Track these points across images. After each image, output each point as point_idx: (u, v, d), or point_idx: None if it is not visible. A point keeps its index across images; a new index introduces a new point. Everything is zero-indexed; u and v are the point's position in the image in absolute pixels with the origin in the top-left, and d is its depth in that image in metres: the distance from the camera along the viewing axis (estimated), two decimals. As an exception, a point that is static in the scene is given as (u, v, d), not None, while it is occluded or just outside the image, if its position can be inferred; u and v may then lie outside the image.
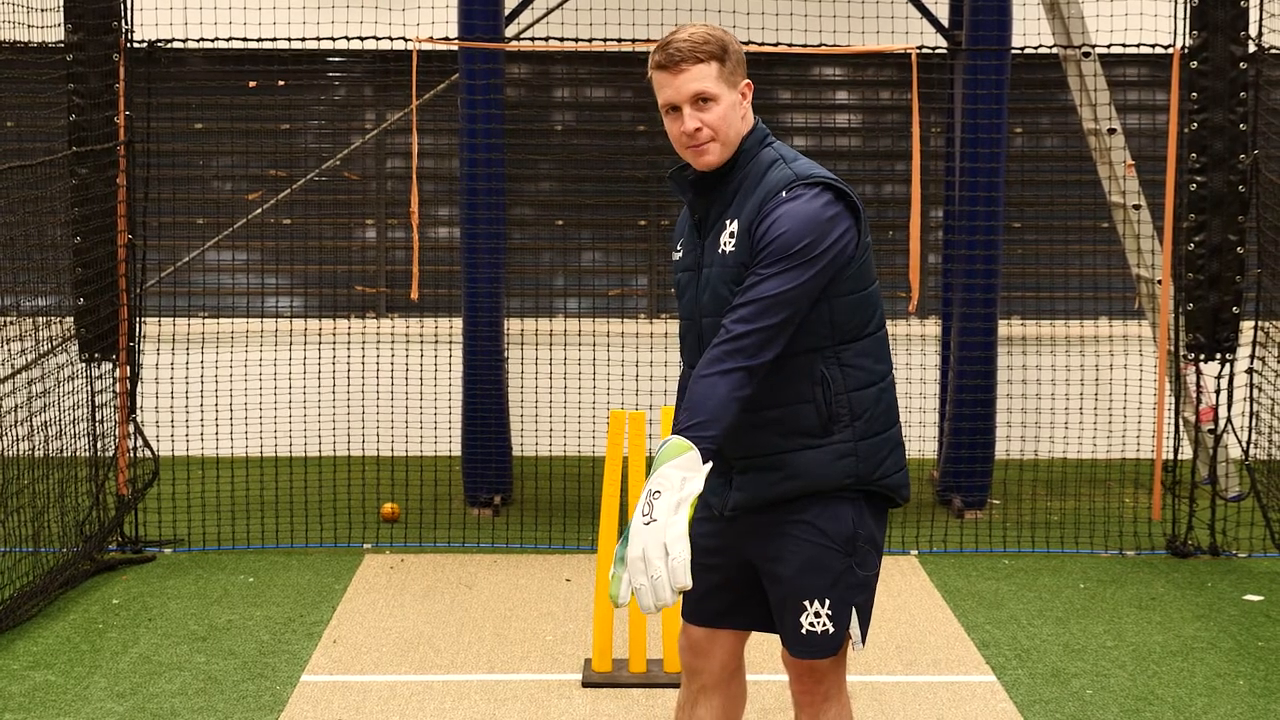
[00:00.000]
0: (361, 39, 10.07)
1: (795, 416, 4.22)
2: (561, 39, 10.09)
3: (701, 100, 4.18)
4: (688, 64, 4.16)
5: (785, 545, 4.30)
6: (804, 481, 4.26)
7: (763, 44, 9.88)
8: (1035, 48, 10.54)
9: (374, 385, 11.03)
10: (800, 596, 4.31)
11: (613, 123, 12.24)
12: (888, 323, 11.65)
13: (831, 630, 4.34)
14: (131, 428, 9.26)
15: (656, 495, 3.86)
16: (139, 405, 9.42)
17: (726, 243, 4.22)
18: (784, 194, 4.15)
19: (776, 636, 4.46)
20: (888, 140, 12.38)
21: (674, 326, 11.60)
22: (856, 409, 4.27)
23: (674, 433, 3.96)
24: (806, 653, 4.38)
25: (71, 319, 8.99)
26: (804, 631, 4.34)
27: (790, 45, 10.07)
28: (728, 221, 4.24)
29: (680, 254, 4.46)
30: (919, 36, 10.69)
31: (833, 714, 4.51)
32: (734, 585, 4.47)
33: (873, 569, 4.39)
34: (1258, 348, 9.10)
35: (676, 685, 6.65)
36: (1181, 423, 10.19)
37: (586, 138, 12.36)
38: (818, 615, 4.32)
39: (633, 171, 12.22)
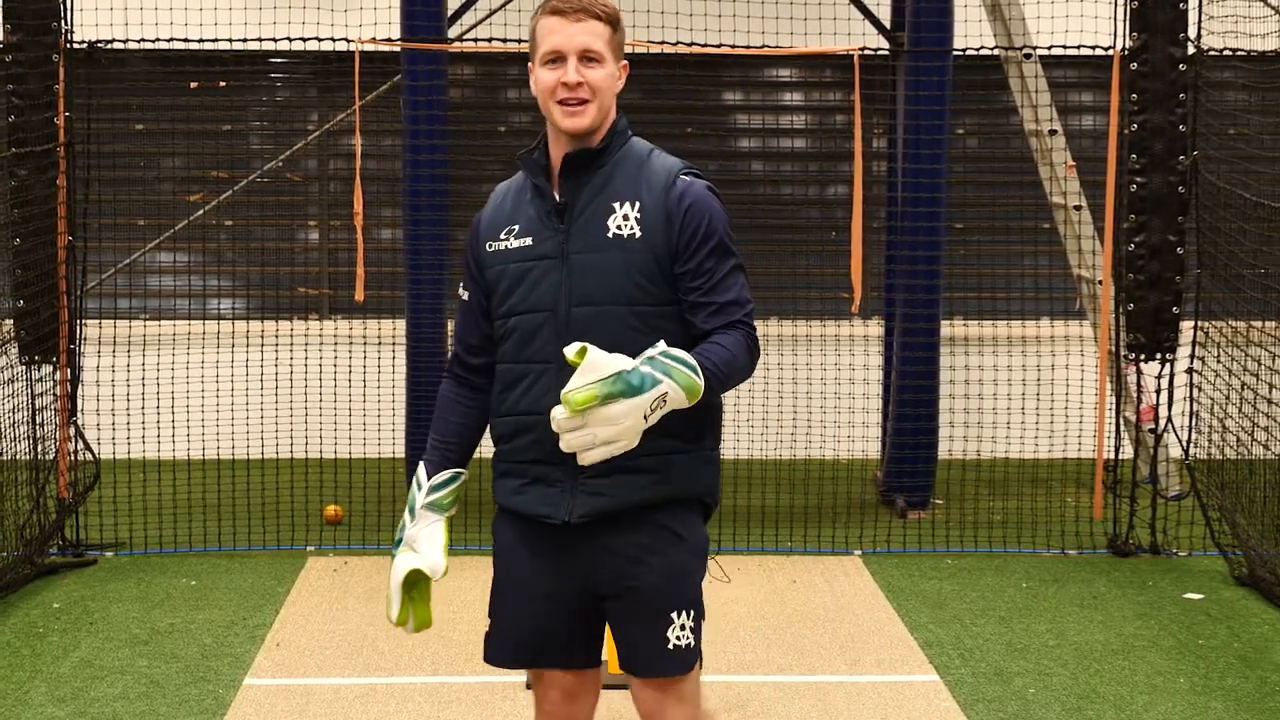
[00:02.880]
0: (304, 40, 10.02)
1: (677, 418, 3.97)
2: (505, 40, 10.07)
3: (588, 58, 4.05)
4: (585, 17, 4.04)
5: (649, 555, 4.12)
6: (675, 486, 4.12)
7: (706, 45, 9.89)
8: (977, 49, 10.60)
9: (317, 387, 10.98)
10: (668, 609, 4.14)
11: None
12: (830, 323, 11.77)
13: (693, 643, 4.18)
14: (72, 430, 9.20)
15: (662, 401, 3.81)
16: (80, 408, 9.36)
17: (621, 226, 4.06)
18: (684, 177, 4.11)
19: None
20: (833, 141, 12.41)
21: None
22: (716, 417, 4.22)
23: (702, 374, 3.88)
24: (673, 669, 4.17)
25: (11, 321, 8.92)
26: (670, 646, 4.15)
27: (733, 47, 10.09)
28: (615, 205, 4.08)
29: (520, 242, 4.16)
30: (861, 38, 10.71)
31: None
32: (574, 618, 4.27)
33: None
34: (1197, 348, 9.15)
35: (618, 686, 6.63)
36: (1122, 422, 10.25)
37: (530, 138, 12.30)
38: (683, 628, 4.15)
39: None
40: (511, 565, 4.38)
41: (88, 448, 9.31)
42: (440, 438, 4.41)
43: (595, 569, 4.17)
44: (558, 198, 4.14)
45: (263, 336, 11.15)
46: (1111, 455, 9.79)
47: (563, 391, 3.74)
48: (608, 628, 4.32)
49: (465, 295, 4.31)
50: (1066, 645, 7.54)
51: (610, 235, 4.07)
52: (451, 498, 4.43)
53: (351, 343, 11.41)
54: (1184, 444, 9.22)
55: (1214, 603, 8.29)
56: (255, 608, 8.13)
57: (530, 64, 4.16)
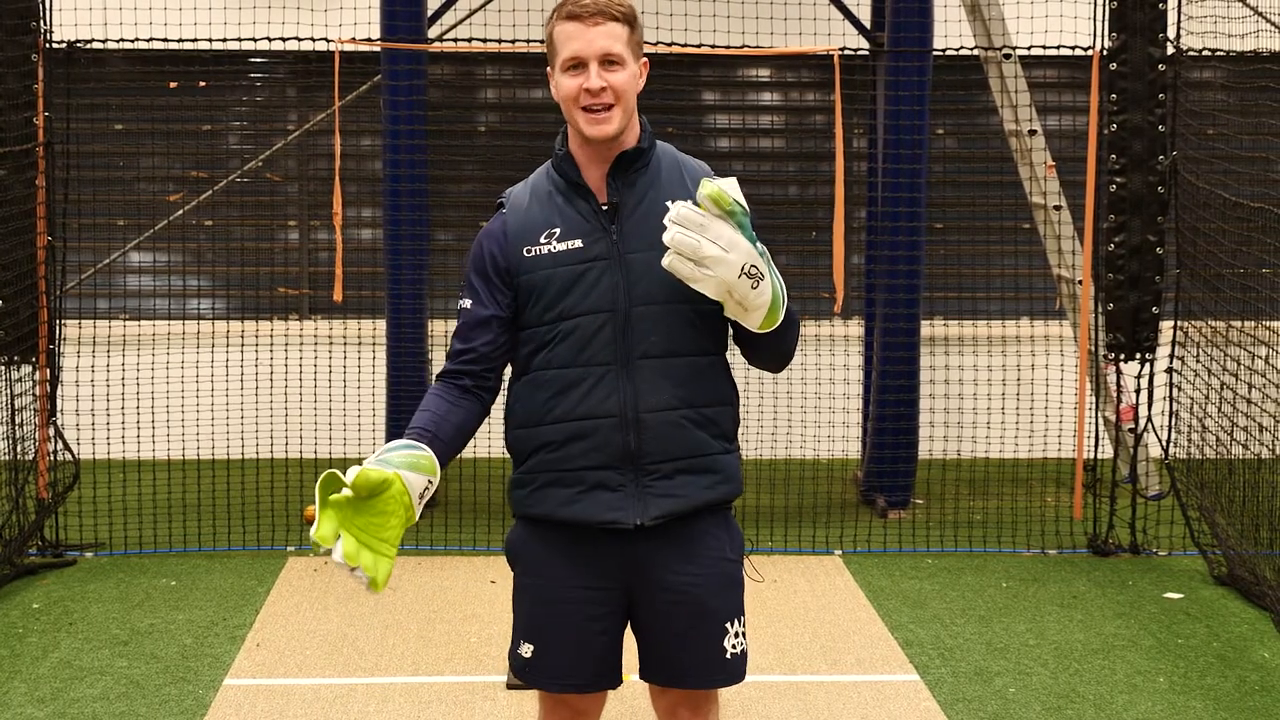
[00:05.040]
0: (283, 40, 10.01)
1: (725, 418, 4.05)
2: (484, 40, 10.06)
3: (609, 61, 3.95)
4: (602, 19, 3.93)
5: (705, 563, 4.09)
6: (731, 487, 4.08)
7: (686, 45, 9.89)
8: (957, 49, 10.62)
9: (297, 387, 10.96)
10: (723, 619, 4.11)
11: (535, 124, 12.22)
12: (812, 322, 11.77)
13: (745, 648, 4.17)
14: (52, 431, 9.18)
15: (759, 280, 3.85)
16: (59, 408, 9.34)
17: None
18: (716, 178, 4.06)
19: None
20: (811, 141, 12.42)
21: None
22: (738, 419, 4.21)
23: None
24: (728, 679, 4.15)
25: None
26: (728, 656, 4.12)
27: (714, 47, 10.09)
28: (669, 203, 3.87)
29: (567, 244, 4.02)
30: (841, 38, 10.72)
31: None
32: (616, 638, 4.19)
33: None
34: (1177, 347, 9.18)
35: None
36: (1102, 422, 10.27)
37: (509, 139, 12.34)
38: (736, 635, 4.13)
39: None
40: (554, 585, 4.14)
41: (67, 448, 9.28)
42: (426, 428, 4.25)
43: (643, 581, 4.09)
44: (600, 198, 4.07)
45: (242, 336, 11.13)
46: (1091, 455, 9.81)
47: (708, 179, 3.78)
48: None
49: (468, 303, 4.13)
50: (1046, 645, 7.55)
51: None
52: (406, 460, 4.16)
53: (331, 343, 11.39)
54: (1163, 444, 9.24)
55: (1193, 602, 8.31)
56: (235, 608, 8.11)
57: (549, 69, 4.07)
